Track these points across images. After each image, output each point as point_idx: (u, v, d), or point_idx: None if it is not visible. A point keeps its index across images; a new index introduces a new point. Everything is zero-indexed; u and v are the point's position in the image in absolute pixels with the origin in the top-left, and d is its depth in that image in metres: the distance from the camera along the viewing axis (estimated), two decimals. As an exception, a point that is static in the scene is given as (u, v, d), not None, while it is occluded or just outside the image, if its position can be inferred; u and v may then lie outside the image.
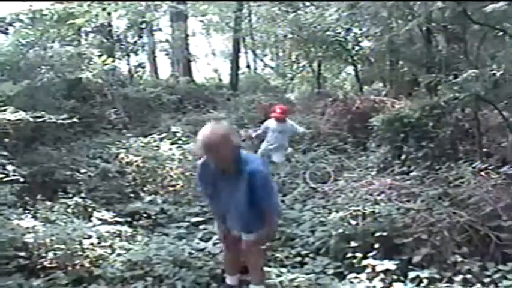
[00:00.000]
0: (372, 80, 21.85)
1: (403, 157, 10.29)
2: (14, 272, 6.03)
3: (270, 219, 5.47)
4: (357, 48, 19.40)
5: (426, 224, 6.41)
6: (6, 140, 10.22)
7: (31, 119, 9.64)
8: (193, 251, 6.87)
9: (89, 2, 13.17)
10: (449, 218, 6.41)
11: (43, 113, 9.80)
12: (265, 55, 31.54)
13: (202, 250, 6.97)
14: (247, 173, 5.08)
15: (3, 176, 8.87)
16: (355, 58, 19.53)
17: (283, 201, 9.39)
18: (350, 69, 23.32)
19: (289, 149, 11.98)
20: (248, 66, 29.82)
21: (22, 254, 6.36)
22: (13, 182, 8.72)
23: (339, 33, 18.03)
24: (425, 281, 5.68)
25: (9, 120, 9.44)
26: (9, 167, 9.10)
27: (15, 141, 10.85)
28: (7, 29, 14.69)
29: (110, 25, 20.14)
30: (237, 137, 5.09)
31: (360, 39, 19.14)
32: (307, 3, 20.05)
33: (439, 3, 9.25)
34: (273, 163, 10.84)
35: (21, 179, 9.08)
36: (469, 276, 5.67)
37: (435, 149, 10.12)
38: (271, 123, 11.15)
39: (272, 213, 5.49)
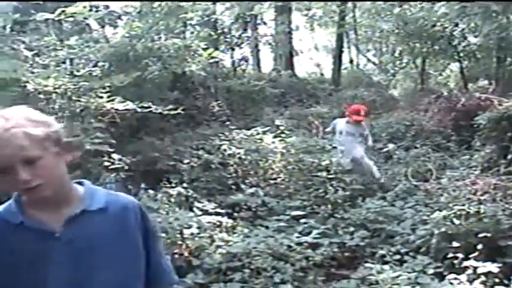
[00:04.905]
0: (477, 77, 21.36)
1: (509, 157, 9.97)
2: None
3: None
4: (463, 44, 18.99)
5: (533, 227, 6.21)
6: (113, 129, 10.49)
7: (138, 109, 9.88)
8: (292, 245, 6.87)
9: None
10: (558, 221, 6.19)
11: (149, 103, 10.02)
12: (369, 50, 31.23)
13: (301, 244, 6.95)
14: (114, 211, 2.25)
15: (109, 164, 9.15)
16: (461, 54, 19.11)
17: (384, 197, 9.31)
18: (454, 66, 22.87)
19: (391, 145, 11.81)
20: (351, 61, 29.60)
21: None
22: (118, 170, 8.97)
23: (446, 28, 17.67)
24: (530, 285, 5.50)
25: (117, 109, 9.70)
26: (115, 156, 9.35)
27: (122, 130, 11.13)
28: (116, 22, 15.15)
29: (215, 18, 20.41)
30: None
31: (466, 34, 18.73)
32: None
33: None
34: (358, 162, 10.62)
35: (126, 168, 9.33)
36: None
37: (544, 149, 9.77)
38: (340, 122, 11.03)
39: None
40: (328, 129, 11.28)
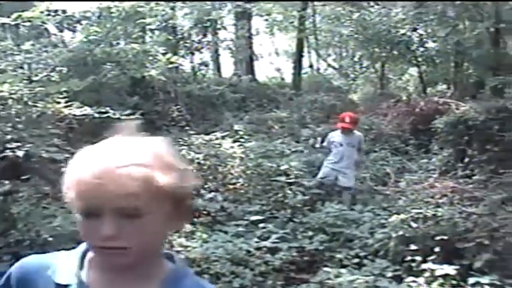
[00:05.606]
0: (436, 82, 21.62)
1: (466, 160, 10.11)
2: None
3: None
4: (421, 49, 19.20)
5: (489, 229, 6.29)
6: (71, 135, 10.39)
7: (96, 115, 9.80)
8: (251, 249, 6.88)
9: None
10: (512, 224, 6.28)
11: (107, 108, 9.95)
12: (329, 55, 31.39)
13: (260, 249, 6.97)
14: None
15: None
16: (419, 59, 19.32)
17: (341, 202, 9.36)
18: (413, 70, 23.12)
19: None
20: (311, 66, 29.69)
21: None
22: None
23: (404, 33, 17.87)
24: (486, 287, 5.56)
25: (74, 115, 9.62)
26: (73, 162, 9.25)
27: (79, 136, 11.03)
28: (75, 27, 15.01)
29: (174, 23, 20.34)
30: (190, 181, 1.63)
31: (424, 39, 18.95)
32: (372, 3, 19.94)
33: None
34: (340, 188, 9.88)
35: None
36: (531, 283, 5.54)
37: (500, 152, 9.90)
38: (335, 135, 10.09)
39: None
40: (324, 144, 10.50)
